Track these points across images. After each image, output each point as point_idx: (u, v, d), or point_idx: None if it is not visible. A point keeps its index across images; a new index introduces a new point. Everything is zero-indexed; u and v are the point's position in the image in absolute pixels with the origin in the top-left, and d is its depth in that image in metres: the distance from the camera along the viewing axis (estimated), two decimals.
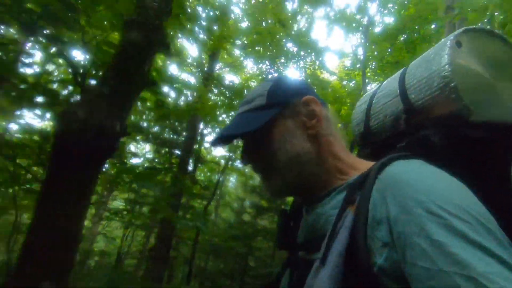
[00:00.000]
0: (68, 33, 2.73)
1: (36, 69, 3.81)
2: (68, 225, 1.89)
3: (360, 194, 0.49)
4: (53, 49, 2.84)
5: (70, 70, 2.51)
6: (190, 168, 8.22)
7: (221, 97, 7.89)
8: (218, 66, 9.08)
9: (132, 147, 9.11)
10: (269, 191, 0.63)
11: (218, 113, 7.70)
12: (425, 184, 0.44)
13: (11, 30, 2.98)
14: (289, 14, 8.33)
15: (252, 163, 0.65)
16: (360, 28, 8.96)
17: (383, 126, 0.76)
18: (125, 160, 5.35)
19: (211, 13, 6.47)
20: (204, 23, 6.17)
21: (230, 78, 12.11)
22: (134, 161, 8.18)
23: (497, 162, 0.56)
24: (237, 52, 9.00)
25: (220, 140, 0.64)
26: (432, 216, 0.39)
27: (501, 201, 0.48)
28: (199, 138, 8.93)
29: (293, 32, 8.41)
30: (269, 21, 8.19)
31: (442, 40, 0.69)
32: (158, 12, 2.22)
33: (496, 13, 4.47)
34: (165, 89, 5.33)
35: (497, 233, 0.39)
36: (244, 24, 8.80)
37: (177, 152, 7.68)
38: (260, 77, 9.69)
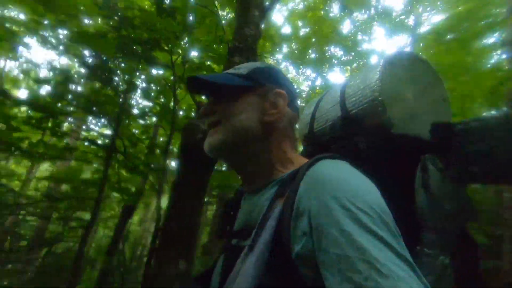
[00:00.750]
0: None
1: None
2: (194, 215, 2.38)
3: (289, 188, 0.53)
4: None
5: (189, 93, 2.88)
6: None
7: None
8: None
9: None
10: (207, 145, 0.65)
11: None
12: (341, 182, 0.49)
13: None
14: (332, 18, 8.44)
15: (207, 116, 0.67)
16: (406, 28, 8.83)
17: (324, 130, 0.83)
18: None
19: None
20: None
21: None
22: None
23: (406, 169, 0.64)
24: (277, 56, 9.16)
25: (195, 83, 0.68)
26: (344, 210, 0.44)
27: (402, 201, 0.56)
28: None
29: (337, 36, 8.51)
30: (312, 26, 8.34)
31: (376, 62, 0.78)
32: (254, 38, 2.71)
33: None
34: None
35: (391, 225, 0.45)
36: (286, 29, 9.02)
37: None
38: (303, 82, 9.84)
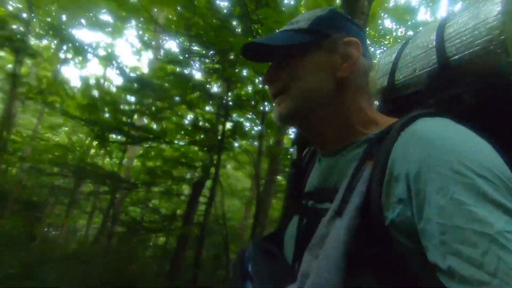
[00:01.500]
0: None
1: None
2: None
3: (379, 150, 0.48)
4: None
5: None
6: None
7: None
8: None
9: None
10: (275, 117, 0.61)
11: None
12: (450, 143, 0.42)
13: None
14: None
15: (271, 83, 0.62)
16: None
17: (410, 81, 0.69)
18: None
19: None
20: None
21: None
22: None
23: None
24: None
25: (252, 48, 0.63)
26: (456, 175, 0.38)
27: None
28: None
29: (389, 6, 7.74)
30: None
31: None
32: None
33: None
34: None
35: None
36: None
37: None
38: None
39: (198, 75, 5.77)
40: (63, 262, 4.59)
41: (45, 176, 6.85)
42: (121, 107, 5.15)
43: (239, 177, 11.13)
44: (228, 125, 4.90)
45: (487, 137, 0.44)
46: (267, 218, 4.93)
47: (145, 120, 6.84)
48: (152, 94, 4.47)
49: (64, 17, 7.43)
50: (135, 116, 5.52)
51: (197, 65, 4.82)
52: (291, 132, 5.34)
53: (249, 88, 5.27)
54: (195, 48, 4.60)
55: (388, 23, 8.06)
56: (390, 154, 0.46)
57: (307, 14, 0.61)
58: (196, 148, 5.60)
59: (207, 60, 4.68)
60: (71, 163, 6.07)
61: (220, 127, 4.89)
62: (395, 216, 0.43)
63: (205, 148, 5.03)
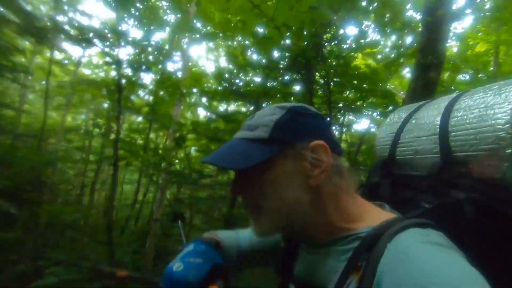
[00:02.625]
0: None
1: None
2: None
3: (366, 262, 0.45)
4: None
5: None
6: None
7: None
8: None
9: None
10: (256, 233, 0.57)
11: None
12: (437, 275, 0.38)
13: None
14: None
15: (241, 197, 0.59)
16: None
17: (411, 162, 0.67)
18: None
19: None
20: None
21: None
22: None
23: None
24: None
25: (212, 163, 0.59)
26: None
27: None
28: None
29: None
30: None
31: (507, 81, 0.56)
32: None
33: None
34: None
35: None
36: None
37: None
38: None
39: None
40: None
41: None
42: None
43: None
44: None
45: (475, 253, 0.42)
46: None
47: None
48: None
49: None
50: None
51: None
52: None
53: None
54: None
55: None
56: (376, 270, 0.43)
57: (264, 117, 0.56)
58: None
59: None
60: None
61: None
62: None
63: None
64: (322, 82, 3.40)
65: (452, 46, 6.27)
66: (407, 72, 5.76)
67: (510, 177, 0.52)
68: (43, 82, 8.96)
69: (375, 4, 3.78)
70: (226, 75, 4.01)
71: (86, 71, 10.44)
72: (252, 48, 4.12)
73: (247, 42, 4.56)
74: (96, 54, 9.31)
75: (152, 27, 4.71)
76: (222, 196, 4.60)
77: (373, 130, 4.43)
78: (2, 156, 4.95)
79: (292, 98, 3.72)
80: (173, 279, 0.57)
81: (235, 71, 4.05)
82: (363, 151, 4.36)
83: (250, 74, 4.13)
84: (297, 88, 3.86)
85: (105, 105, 8.21)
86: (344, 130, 4.50)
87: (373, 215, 0.54)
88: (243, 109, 6.09)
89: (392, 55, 4.31)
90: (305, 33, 2.98)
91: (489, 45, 6.20)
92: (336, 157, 0.56)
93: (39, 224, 4.90)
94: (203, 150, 4.51)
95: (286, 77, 3.57)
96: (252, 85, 3.95)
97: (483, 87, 0.61)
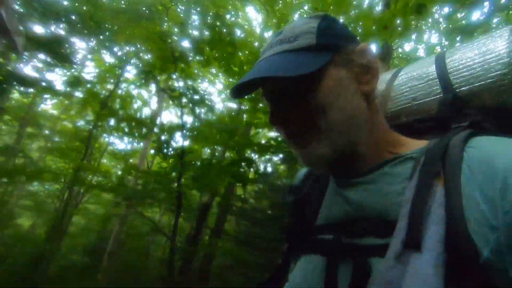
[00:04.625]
0: None
1: None
2: None
3: (445, 168, 0.41)
4: None
5: None
6: None
7: None
8: None
9: None
10: (309, 160, 0.51)
11: None
12: None
13: None
14: None
15: (286, 124, 0.51)
16: None
17: (409, 110, 0.69)
18: None
19: None
20: None
21: None
22: None
23: None
24: None
25: (254, 83, 0.51)
26: None
27: None
28: None
29: None
30: None
31: (497, 30, 0.65)
32: None
33: None
34: None
35: None
36: None
37: None
38: None
39: None
40: None
41: None
42: None
43: None
44: None
45: None
46: None
47: None
48: None
49: None
50: None
51: None
52: None
53: None
54: None
55: None
56: (461, 174, 0.39)
57: (299, 27, 0.51)
58: None
59: None
60: None
61: None
62: (492, 249, 0.34)
63: None
64: None
65: None
66: None
67: None
68: None
69: None
70: None
71: None
72: None
73: None
74: None
75: None
76: None
77: None
78: None
79: None
80: None
81: None
82: None
83: None
84: None
85: None
86: None
87: (414, 142, 0.52)
88: None
89: None
90: None
91: None
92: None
93: None
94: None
95: None
96: None
97: (464, 43, 0.69)
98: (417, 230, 0.37)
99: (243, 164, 4.68)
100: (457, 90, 0.62)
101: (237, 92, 0.52)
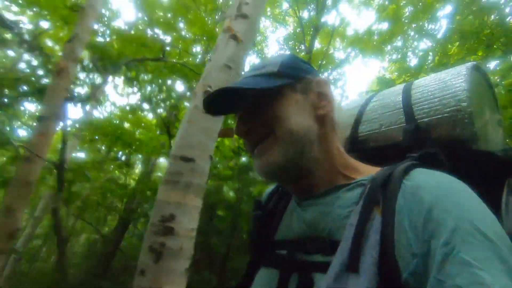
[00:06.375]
0: None
1: None
2: None
3: (383, 197, 0.45)
4: None
5: None
6: None
7: None
8: None
9: None
10: (263, 167, 0.55)
11: None
12: (457, 198, 0.42)
13: None
14: None
15: (247, 133, 0.58)
16: None
17: (376, 136, 0.75)
18: None
19: None
20: None
21: None
22: None
23: (487, 192, 0.54)
24: None
25: (219, 98, 0.57)
26: (464, 232, 0.38)
27: None
28: None
29: None
30: None
31: (456, 67, 0.71)
32: None
33: None
34: None
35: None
36: None
37: None
38: None
39: None
40: None
41: None
42: None
43: None
44: None
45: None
46: None
47: None
48: None
49: None
50: None
51: None
52: None
53: None
54: None
55: None
56: (396, 203, 0.44)
57: (269, 60, 0.60)
58: None
59: None
60: None
61: None
62: (409, 274, 0.39)
63: None
64: None
65: None
66: None
67: (470, 133, 0.62)
68: None
69: None
70: None
71: None
72: None
73: None
74: None
75: None
76: None
77: None
78: None
79: None
80: None
81: None
82: None
83: None
84: None
85: None
86: None
87: (368, 168, 0.57)
88: None
89: None
90: None
91: None
92: (334, 98, 0.61)
93: None
94: None
95: None
96: None
97: (428, 76, 0.76)
98: (356, 254, 0.42)
99: None
100: (418, 121, 0.68)
101: (211, 108, 0.60)
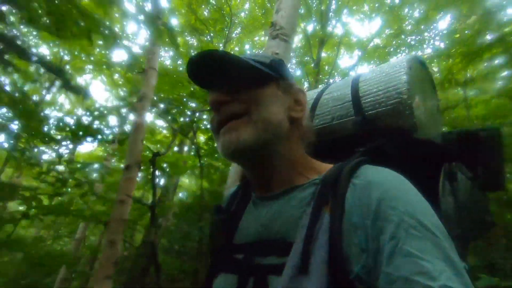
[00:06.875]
0: None
1: None
2: None
3: (334, 196, 0.46)
4: None
5: None
6: None
7: None
8: None
9: None
10: (232, 143, 0.53)
11: None
12: (403, 194, 0.44)
13: None
14: None
15: (223, 105, 0.56)
16: None
17: (328, 128, 0.76)
18: None
19: None
20: None
21: None
22: None
23: (427, 177, 0.58)
24: None
25: (205, 69, 0.57)
26: (409, 226, 0.39)
27: None
28: None
29: None
30: None
31: (397, 59, 0.73)
32: None
33: None
34: None
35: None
36: None
37: None
38: None
39: None
40: None
41: None
42: None
43: None
44: None
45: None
46: None
47: None
48: None
49: None
50: None
51: None
52: None
53: None
54: None
55: None
56: (345, 202, 0.45)
57: (263, 53, 0.64)
58: None
59: None
60: None
61: None
62: (360, 268, 0.40)
63: None
64: None
65: None
66: None
67: (411, 124, 0.66)
68: None
69: None
70: None
71: None
72: None
73: None
74: None
75: None
76: None
77: None
78: None
79: None
80: None
81: None
82: None
83: None
84: None
85: None
86: None
87: (325, 166, 0.57)
88: None
89: None
90: None
91: None
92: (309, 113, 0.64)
93: None
94: None
95: None
96: None
97: (373, 68, 0.80)
98: (306, 256, 0.42)
99: None
100: (366, 113, 0.70)
101: (196, 72, 0.59)
